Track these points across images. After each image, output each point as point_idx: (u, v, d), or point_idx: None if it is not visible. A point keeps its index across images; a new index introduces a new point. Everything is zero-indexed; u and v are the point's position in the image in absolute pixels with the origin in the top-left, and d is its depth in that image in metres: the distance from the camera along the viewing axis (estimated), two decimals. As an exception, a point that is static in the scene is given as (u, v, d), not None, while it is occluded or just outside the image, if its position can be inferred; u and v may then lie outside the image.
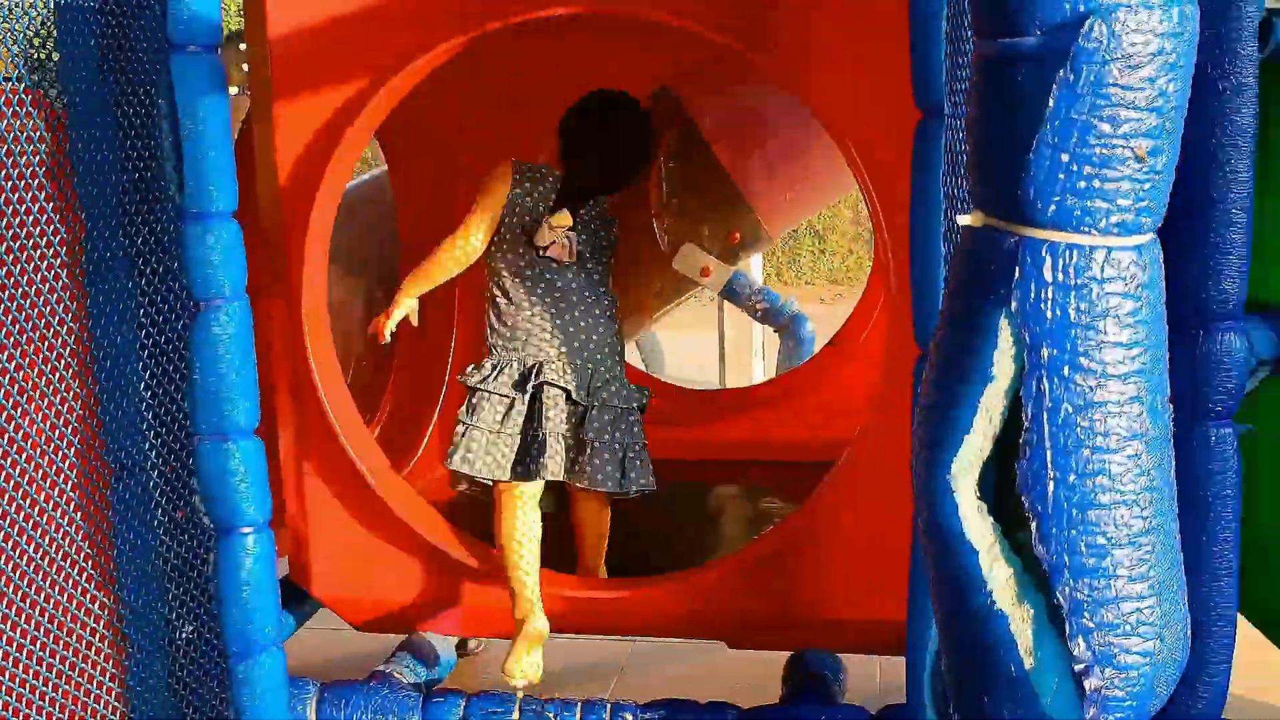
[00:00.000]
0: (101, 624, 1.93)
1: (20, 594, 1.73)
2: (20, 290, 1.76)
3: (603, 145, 2.62)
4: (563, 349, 2.52)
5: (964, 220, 1.02)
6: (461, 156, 3.39)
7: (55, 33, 1.85)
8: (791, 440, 3.38)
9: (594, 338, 2.54)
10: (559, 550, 2.58)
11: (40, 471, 1.79)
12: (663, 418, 3.44)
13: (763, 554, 2.40)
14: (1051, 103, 0.95)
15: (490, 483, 2.49)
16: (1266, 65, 1.94)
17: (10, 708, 1.70)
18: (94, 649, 1.90)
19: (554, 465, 2.45)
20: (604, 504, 2.59)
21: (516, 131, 3.44)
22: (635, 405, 2.56)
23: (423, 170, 3.32)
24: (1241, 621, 2.02)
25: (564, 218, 2.52)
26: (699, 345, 6.16)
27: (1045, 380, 0.98)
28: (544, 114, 3.41)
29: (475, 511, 3.10)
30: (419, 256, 2.69)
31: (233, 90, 2.58)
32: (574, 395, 2.50)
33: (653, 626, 2.55)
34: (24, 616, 1.73)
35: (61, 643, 1.83)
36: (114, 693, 1.95)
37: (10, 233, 1.73)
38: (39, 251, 1.79)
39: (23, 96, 1.75)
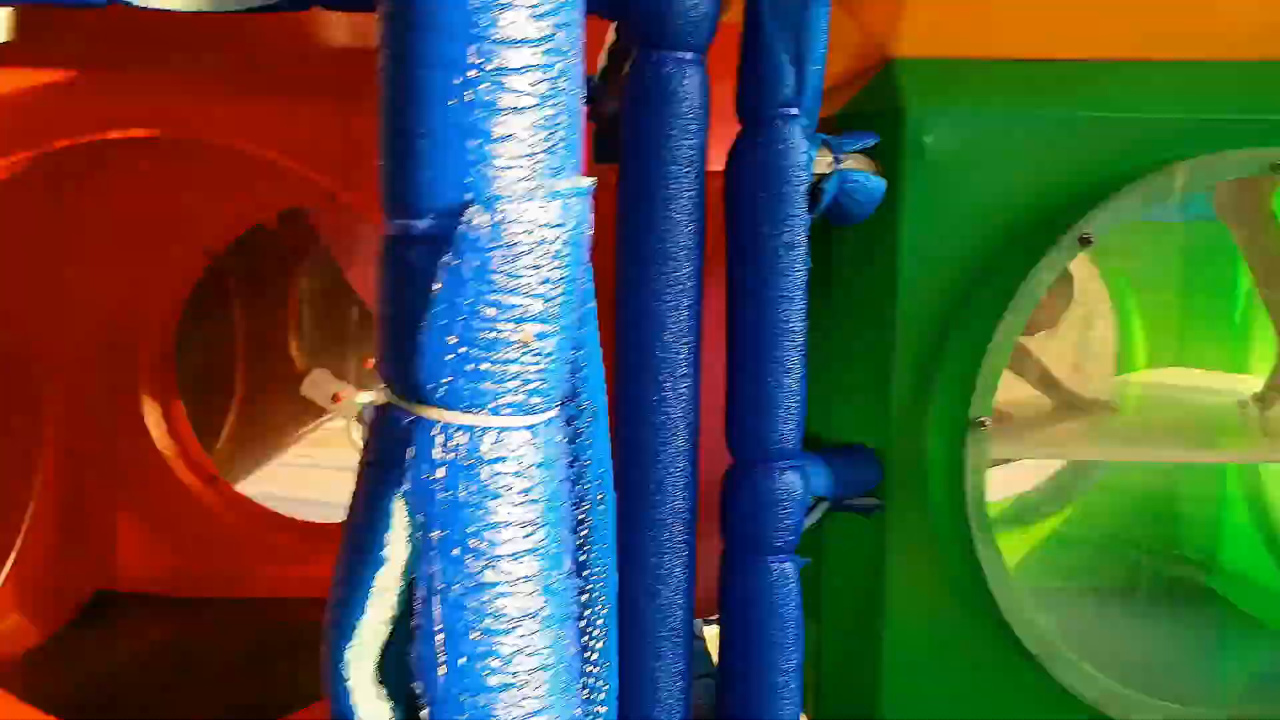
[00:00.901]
0: None
1: None
2: None
3: None
4: None
5: (365, 398, 1.01)
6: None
7: None
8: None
9: None
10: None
11: None
12: (290, 555, 3.31)
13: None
14: (439, 286, 0.97)
15: None
16: (817, 225, 2.13)
17: None
18: None
19: None
20: None
21: (138, 251, 3.28)
22: None
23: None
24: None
25: None
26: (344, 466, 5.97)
27: (437, 562, 0.98)
28: (167, 229, 3.28)
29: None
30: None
31: None
32: None
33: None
34: None
35: None
36: None
37: None
38: None
39: None
